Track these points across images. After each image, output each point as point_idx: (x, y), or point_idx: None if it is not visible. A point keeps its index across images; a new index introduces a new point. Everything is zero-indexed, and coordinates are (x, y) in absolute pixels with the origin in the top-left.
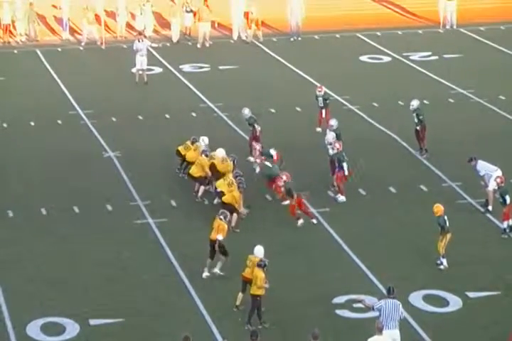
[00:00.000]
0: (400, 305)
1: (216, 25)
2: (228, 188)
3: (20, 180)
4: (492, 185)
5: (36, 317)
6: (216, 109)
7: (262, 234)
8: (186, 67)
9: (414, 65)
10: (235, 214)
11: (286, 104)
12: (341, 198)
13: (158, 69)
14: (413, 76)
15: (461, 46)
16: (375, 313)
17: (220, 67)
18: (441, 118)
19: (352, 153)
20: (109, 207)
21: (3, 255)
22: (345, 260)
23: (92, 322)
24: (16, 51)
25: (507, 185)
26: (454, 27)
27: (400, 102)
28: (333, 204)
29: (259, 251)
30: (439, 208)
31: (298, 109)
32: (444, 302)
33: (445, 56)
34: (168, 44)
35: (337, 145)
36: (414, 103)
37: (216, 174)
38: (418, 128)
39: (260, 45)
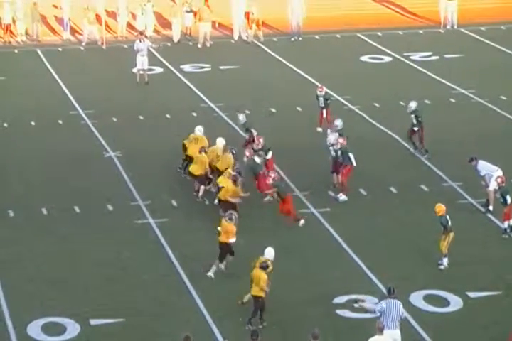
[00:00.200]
0: (401, 305)
1: (217, 25)
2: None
3: (20, 179)
4: (493, 185)
5: (37, 317)
6: (217, 109)
7: (262, 233)
8: (187, 67)
9: (415, 65)
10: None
11: (287, 104)
12: (342, 197)
13: (158, 69)
14: (414, 76)
15: (461, 46)
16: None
17: (221, 67)
18: (442, 118)
19: (352, 152)
20: (110, 207)
21: (3, 255)
22: (346, 260)
23: (93, 322)
24: (16, 51)
25: (508, 185)
26: (455, 27)
27: (400, 102)
28: (334, 204)
29: (269, 252)
30: (441, 208)
31: (298, 108)
32: (445, 302)
33: (446, 56)
34: (168, 44)
35: (341, 140)
36: (413, 104)
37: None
38: (416, 129)
39: (261, 45)
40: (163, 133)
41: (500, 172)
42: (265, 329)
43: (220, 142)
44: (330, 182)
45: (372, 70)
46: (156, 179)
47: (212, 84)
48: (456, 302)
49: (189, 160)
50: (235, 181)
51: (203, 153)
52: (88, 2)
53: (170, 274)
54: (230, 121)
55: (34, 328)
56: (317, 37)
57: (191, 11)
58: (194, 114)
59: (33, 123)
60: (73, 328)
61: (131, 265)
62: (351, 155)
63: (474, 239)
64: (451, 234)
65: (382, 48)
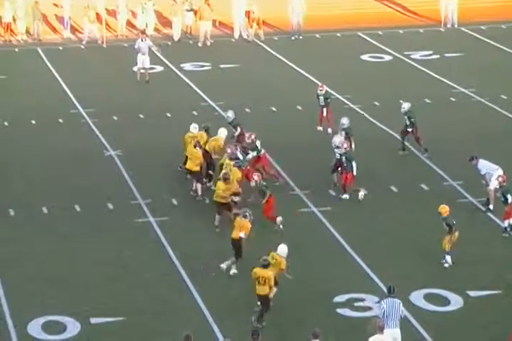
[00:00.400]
0: (401, 304)
1: (217, 24)
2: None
3: (21, 178)
4: (493, 184)
5: (37, 315)
6: (217, 108)
7: (262, 232)
8: (187, 66)
9: (416, 64)
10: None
11: (287, 102)
12: (345, 196)
13: (159, 68)
14: (414, 75)
15: (462, 45)
16: (376, 312)
17: (221, 66)
18: (442, 117)
19: (353, 152)
20: (110, 206)
21: (4, 253)
22: (346, 259)
23: (93, 320)
24: (17, 49)
25: (509, 184)
26: (455, 26)
27: (401, 101)
28: (334, 203)
29: (282, 249)
30: (445, 209)
31: (299, 107)
32: (445, 301)
33: (446, 55)
34: (169, 42)
35: (345, 145)
36: (406, 105)
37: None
38: (409, 129)
39: (261, 44)
40: (164, 132)
41: (500, 171)
42: (266, 328)
43: (223, 132)
44: (331, 181)
45: (373, 69)
46: (157, 178)
47: (213, 82)
48: (456, 302)
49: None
50: (226, 179)
51: (197, 148)
52: (88, 1)
53: (170, 273)
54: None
55: (34, 327)
56: (318, 36)
57: (192, 10)
58: (195, 113)
59: (33, 121)
60: (73, 327)
61: (132, 264)
62: (354, 164)
63: (475, 238)
64: (456, 234)
65: (383, 47)
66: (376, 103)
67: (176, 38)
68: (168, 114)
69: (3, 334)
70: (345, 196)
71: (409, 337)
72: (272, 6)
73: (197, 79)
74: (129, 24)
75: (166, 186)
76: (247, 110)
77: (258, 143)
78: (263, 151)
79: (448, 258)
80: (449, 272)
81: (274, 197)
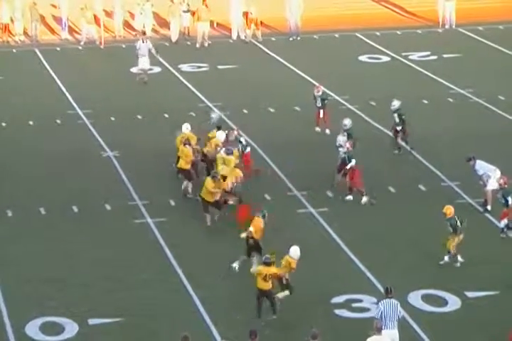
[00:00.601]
0: (398, 305)
1: (215, 24)
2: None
3: (19, 179)
4: (491, 185)
5: (35, 316)
6: (215, 109)
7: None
8: (185, 67)
9: (413, 65)
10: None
11: (285, 103)
12: (349, 197)
13: (157, 69)
14: (412, 76)
15: (460, 46)
16: (374, 313)
17: (219, 67)
18: (439, 117)
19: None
20: (108, 207)
21: (1, 254)
22: (344, 260)
23: (91, 321)
24: (14, 50)
25: (509, 185)
26: (453, 27)
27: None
28: (332, 204)
29: (295, 251)
30: (450, 210)
31: (297, 108)
32: (443, 302)
33: (444, 56)
34: (167, 44)
35: (347, 144)
36: (396, 103)
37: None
38: (399, 128)
39: (259, 45)
40: (162, 133)
41: (498, 172)
42: (263, 329)
43: (221, 135)
44: (328, 181)
45: (371, 70)
46: (154, 178)
47: (211, 83)
48: (454, 302)
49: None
50: (214, 177)
51: (187, 146)
52: (85, 2)
53: (168, 274)
54: (228, 121)
55: (32, 328)
56: (315, 36)
57: (189, 11)
58: (192, 114)
59: (31, 122)
60: (71, 328)
61: (130, 264)
62: (353, 161)
63: (472, 239)
64: (461, 236)
65: (381, 48)
66: (373, 104)
67: (173, 39)
68: (166, 115)
69: (1, 335)
70: (349, 197)
71: (407, 338)
72: (269, 7)
73: (195, 80)
74: (127, 25)
75: (164, 187)
76: (245, 111)
77: (243, 139)
78: (249, 149)
79: (446, 257)
80: (446, 273)
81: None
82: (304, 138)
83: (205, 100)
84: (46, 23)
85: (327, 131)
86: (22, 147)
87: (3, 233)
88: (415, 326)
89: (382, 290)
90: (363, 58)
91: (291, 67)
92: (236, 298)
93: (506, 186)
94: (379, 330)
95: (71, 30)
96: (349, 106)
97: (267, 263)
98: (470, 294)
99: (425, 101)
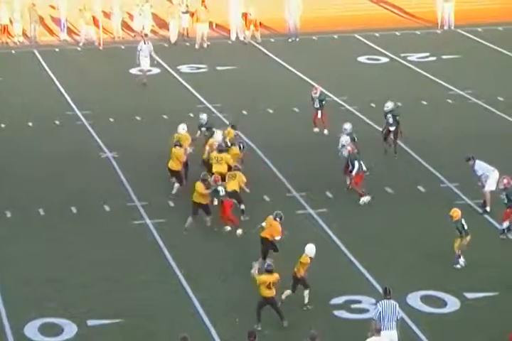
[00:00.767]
0: (397, 306)
1: (214, 25)
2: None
3: (17, 180)
4: (489, 186)
5: (34, 317)
6: (214, 110)
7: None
8: (184, 68)
9: (412, 66)
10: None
11: (284, 104)
12: (364, 199)
13: (156, 70)
14: (411, 77)
15: (459, 47)
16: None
17: (218, 68)
18: (439, 119)
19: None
20: (107, 208)
21: (0, 255)
22: (343, 260)
23: (90, 322)
24: (13, 51)
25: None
26: (452, 28)
27: (398, 103)
28: (331, 205)
29: (311, 249)
30: (457, 212)
31: (295, 109)
32: (442, 303)
33: (443, 57)
34: (166, 45)
35: (349, 147)
36: (389, 104)
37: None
38: (391, 129)
39: (258, 46)
40: (160, 134)
41: (496, 173)
42: (262, 330)
43: (218, 135)
44: (327, 182)
45: (370, 71)
46: (153, 179)
47: (210, 84)
48: (453, 303)
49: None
50: (203, 180)
51: (177, 147)
52: (84, 3)
53: (167, 275)
54: (227, 122)
55: (31, 329)
56: (314, 38)
57: (187, 12)
58: (191, 115)
59: (30, 123)
60: (70, 329)
61: (128, 265)
62: (356, 164)
63: (471, 240)
64: (468, 238)
65: (380, 49)
66: (372, 105)
67: (172, 40)
68: (165, 116)
69: (0, 337)
70: (364, 199)
71: (406, 339)
72: (268, 8)
73: (193, 81)
74: (126, 26)
75: (163, 188)
76: (244, 112)
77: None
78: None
79: (460, 260)
80: (445, 274)
81: (231, 202)
82: (303, 139)
83: (204, 101)
84: (45, 24)
85: (325, 131)
86: (21, 148)
87: (2, 233)
88: (414, 327)
89: (381, 291)
90: (361, 59)
91: (290, 68)
92: (235, 299)
93: (509, 186)
94: (378, 331)
95: (70, 32)
96: (348, 107)
97: (269, 271)
98: (469, 295)
99: (424, 103)
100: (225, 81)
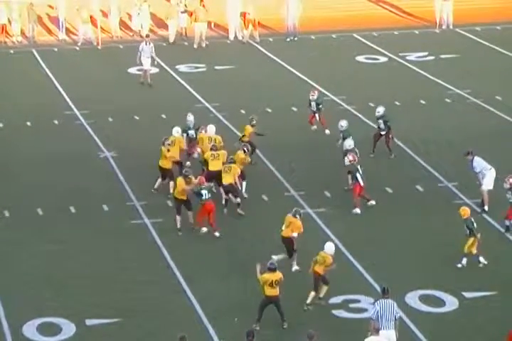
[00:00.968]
0: (395, 305)
1: (213, 25)
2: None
3: (16, 180)
4: (486, 185)
5: (32, 317)
6: (212, 109)
7: (258, 233)
8: (182, 68)
9: (411, 65)
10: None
11: (282, 104)
12: (356, 210)
13: (154, 70)
14: (409, 76)
15: (457, 46)
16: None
17: (217, 68)
18: (437, 118)
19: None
20: (106, 207)
21: None
22: (342, 260)
23: (89, 322)
24: (12, 51)
25: (501, 184)
26: (451, 27)
27: (396, 102)
28: (330, 205)
29: (330, 247)
30: (466, 211)
31: (294, 108)
32: (441, 303)
33: (441, 56)
34: (164, 44)
35: (350, 157)
36: (381, 109)
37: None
38: (383, 133)
39: (256, 45)
40: (159, 134)
41: (493, 172)
42: (260, 329)
43: (212, 129)
44: (326, 182)
45: (368, 70)
46: (152, 179)
47: (208, 84)
48: (451, 303)
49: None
50: (185, 176)
51: (166, 145)
52: (80, 3)
53: (166, 274)
54: (226, 122)
55: (29, 328)
56: (313, 37)
57: (185, 12)
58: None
59: (28, 123)
60: (69, 328)
61: (127, 265)
62: (359, 176)
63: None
64: (479, 235)
65: (378, 48)
66: (371, 104)
67: (171, 40)
68: (164, 116)
69: None
70: (371, 202)
71: (405, 339)
72: (267, 8)
73: (192, 80)
74: (125, 26)
75: (161, 188)
76: (242, 111)
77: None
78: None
79: (481, 259)
80: (444, 273)
81: (212, 206)
82: (301, 138)
83: (203, 101)
84: (43, 24)
85: (326, 131)
86: (19, 148)
87: (0, 233)
88: (412, 326)
89: (379, 290)
90: (360, 59)
91: (289, 67)
92: (234, 299)
93: None
94: (377, 331)
95: (68, 31)
96: (346, 107)
97: (272, 269)
98: (467, 294)
99: (423, 102)
100: (223, 80)
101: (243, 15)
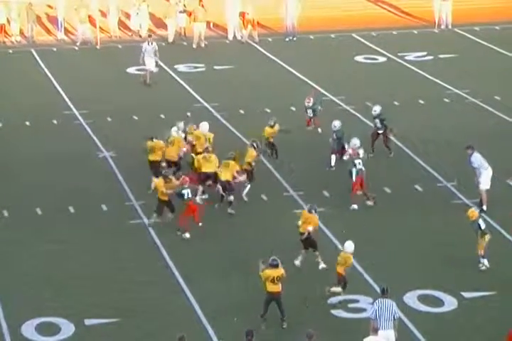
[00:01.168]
0: (394, 305)
1: (211, 25)
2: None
3: (15, 179)
4: (484, 185)
5: (31, 317)
6: (211, 109)
7: (257, 233)
8: (181, 67)
9: (410, 65)
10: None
11: (281, 103)
12: (354, 206)
13: (153, 70)
14: (408, 76)
15: (456, 46)
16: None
17: (216, 67)
18: (436, 118)
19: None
20: (104, 207)
21: None
22: None
23: (87, 322)
24: (11, 51)
25: (504, 185)
26: (449, 27)
27: (395, 102)
28: (328, 205)
29: (350, 246)
30: (473, 213)
31: (293, 108)
32: (439, 303)
33: (440, 56)
34: (163, 44)
35: (350, 151)
36: (377, 109)
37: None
38: (380, 132)
39: (255, 45)
40: (158, 134)
41: (490, 171)
42: (261, 329)
43: (205, 126)
44: (325, 182)
45: (367, 70)
46: (151, 179)
47: (207, 84)
48: (450, 303)
49: (168, 164)
50: (165, 177)
51: (155, 140)
52: (78, 2)
53: (164, 274)
54: (224, 122)
55: (28, 328)
56: (311, 37)
57: (184, 11)
58: (189, 114)
59: (27, 123)
60: (68, 328)
61: (126, 265)
62: (354, 171)
63: (468, 239)
64: (487, 237)
65: (377, 48)
66: (370, 104)
67: (170, 40)
68: (162, 116)
69: None
70: (369, 203)
71: (404, 338)
72: (266, 7)
73: (191, 80)
74: (124, 26)
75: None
76: (241, 111)
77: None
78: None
79: (484, 261)
80: (443, 273)
81: (195, 206)
82: (300, 138)
83: (202, 100)
84: (42, 24)
85: (319, 129)
86: (18, 147)
87: None
88: (411, 326)
89: (378, 290)
90: (359, 59)
91: (288, 67)
92: (233, 298)
93: None
94: (376, 331)
95: (67, 31)
96: (345, 107)
97: (274, 266)
98: (466, 294)
99: (421, 102)
100: (222, 80)
101: (242, 15)
